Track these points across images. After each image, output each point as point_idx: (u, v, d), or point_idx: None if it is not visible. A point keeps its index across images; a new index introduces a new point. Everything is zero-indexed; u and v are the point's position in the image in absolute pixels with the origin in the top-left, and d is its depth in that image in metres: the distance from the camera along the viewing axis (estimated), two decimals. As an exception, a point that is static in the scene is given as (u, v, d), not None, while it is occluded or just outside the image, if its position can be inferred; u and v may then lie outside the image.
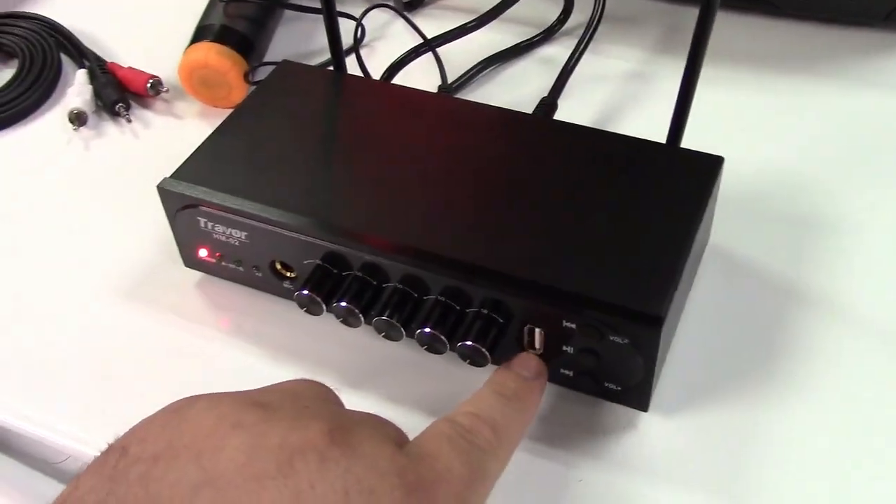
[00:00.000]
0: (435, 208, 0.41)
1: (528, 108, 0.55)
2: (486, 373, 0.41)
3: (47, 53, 0.59)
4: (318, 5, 0.47)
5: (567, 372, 0.39)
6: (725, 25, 0.60)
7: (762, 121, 0.54)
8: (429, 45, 0.54)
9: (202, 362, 0.43)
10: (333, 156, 0.45)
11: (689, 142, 0.43)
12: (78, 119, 0.55)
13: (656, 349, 0.36)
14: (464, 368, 0.40)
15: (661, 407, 0.40)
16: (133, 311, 0.45)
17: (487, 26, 0.59)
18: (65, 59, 0.61)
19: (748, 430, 0.39)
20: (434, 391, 0.41)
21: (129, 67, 0.58)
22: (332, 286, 0.41)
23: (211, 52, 0.54)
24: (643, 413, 0.40)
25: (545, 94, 0.54)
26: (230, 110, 0.55)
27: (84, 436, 0.41)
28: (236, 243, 0.43)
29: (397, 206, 0.42)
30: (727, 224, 0.46)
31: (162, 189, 0.43)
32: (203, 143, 0.45)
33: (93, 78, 0.57)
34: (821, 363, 0.41)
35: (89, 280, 0.47)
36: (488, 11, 0.58)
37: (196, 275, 0.47)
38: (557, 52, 0.59)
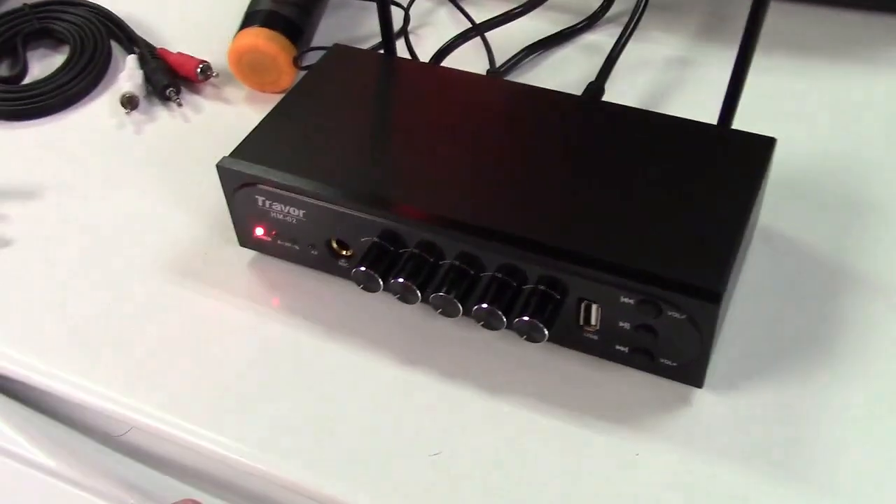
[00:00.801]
0: (490, 186, 0.42)
1: (574, 92, 0.55)
2: (542, 349, 0.41)
3: (98, 40, 0.60)
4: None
5: (622, 348, 0.40)
6: (778, 14, 0.60)
7: (801, 105, 0.54)
8: (477, 30, 0.55)
9: (257, 339, 0.44)
10: (389, 136, 0.45)
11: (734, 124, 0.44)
12: (129, 102, 0.56)
13: (714, 325, 0.37)
14: (519, 345, 0.41)
15: (714, 383, 0.40)
16: (188, 289, 0.46)
17: (532, 13, 0.59)
18: (115, 45, 0.61)
19: (801, 406, 0.39)
20: (489, 368, 0.42)
21: (179, 53, 0.58)
22: (389, 263, 0.42)
23: (260, 37, 0.54)
24: (696, 389, 0.40)
25: (590, 80, 0.54)
26: (278, 95, 0.56)
27: (145, 408, 0.42)
28: (293, 221, 0.44)
29: (454, 184, 0.42)
30: (774, 205, 0.46)
31: (221, 167, 0.44)
32: (260, 124, 0.46)
33: (143, 63, 0.58)
34: (871, 339, 0.41)
35: (145, 258, 0.48)
36: (532, -1, 0.59)
37: (250, 254, 0.47)
38: (600, 39, 0.60)
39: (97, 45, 0.60)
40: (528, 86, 0.49)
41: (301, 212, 0.43)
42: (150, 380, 0.43)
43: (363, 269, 0.42)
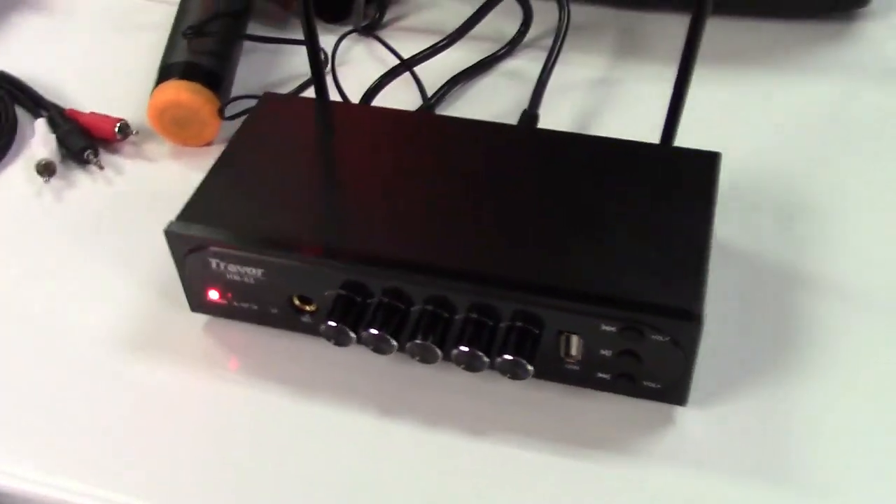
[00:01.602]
0: (448, 225, 0.41)
1: (505, 121, 0.56)
2: (519, 385, 0.41)
3: (1, 105, 0.56)
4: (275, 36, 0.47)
5: (604, 375, 0.40)
6: (676, 26, 0.62)
7: (726, 115, 0.56)
8: (406, 66, 0.55)
9: (223, 408, 0.42)
10: (337, 183, 0.44)
11: (656, 137, 0.45)
12: (46, 170, 0.52)
13: (696, 344, 0.37)
14: (496, 383, 0.41)
15: (694, 399, 0.41)
16: (139, 362, 0.44)
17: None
18: (19, 110, 0.58)
19: (781, 409, 0.40)
20: (469, 410, 0.41)
21: (92, 112, 0.56)
22: (357, 314, 0.41)
23: (182, 90, 0.52)
24: (678, 407, 0.41)
25: (515, 107, 0.55)
26: (203, 149, 0.55)
27: (104, 494, 0.39)
28: (251, 281, 0.42)
29: (411, 226, 0.42)
30: (719, 215, 0.47)
31: (170, 233, 0.42)
32: (202, 183, 0.44)
33: (54, 126, 0.55)
34: (836, 337, 0.43)
35: (88, 335, 0.45)
36: (458, 29, 0.59)
37: (202, 318, 0.45)
38: (520, 64, 0.60)
39: (1, 111, 0.56)
40: (465, 119, 0.49)
41: (259, 271, 0.41)
42: (109, 466, 0.40)
43: (332, 323, 0.40)
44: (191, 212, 0.42)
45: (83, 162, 0.54)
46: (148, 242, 0.49)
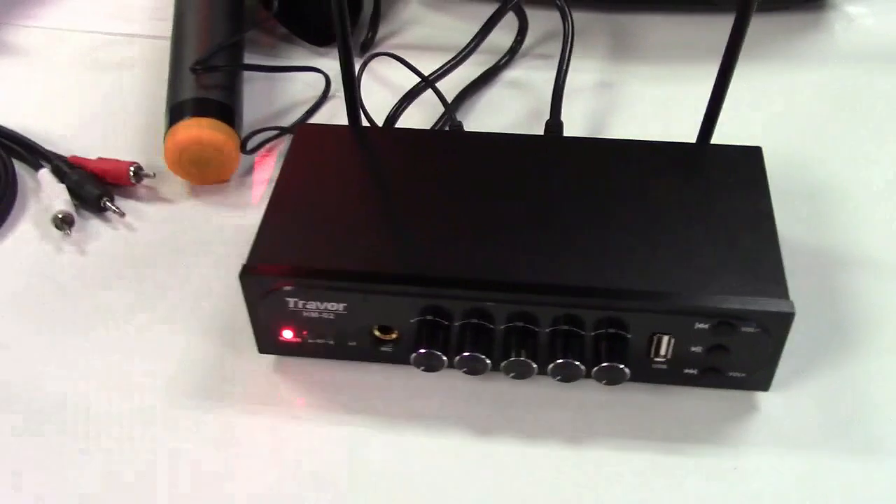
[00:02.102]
0: (517, 240, 0.42)
1: (520, 130, 0.57)
2: (609, 391, 0.42)
3: (-4, 159, 0.54)
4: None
5: (691, 371, 0.41)
6: (664, 26, 0.64)
7: (728, 109, 0.58)
8: (427, 83, 0.55)
9: (314, 447, 0.41)
10: (393, 208, 0.44)
11: (670, 135, 0.47)
12: (65, 223, 0.50)
13: (787, 332, 0.39)
14: (573, 389, 0.42)
15: (774, 384, 0.42)
16: (216, 412, 0.43)
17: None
18: (17, 164, 0.55)
19: (850, 386, 0.43)
20: (561, 419, 0.42)
21: (99, 158, 0.54)
22: (444, 338, 0.41)
23: (204, 128, 0.51)
24: (760, 393, 0.42)
25: (526, 116, 0.56)
26: (222, 185, 0.53)
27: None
28: (330, 317, 0.41)
29: (482, 244, 0.42)
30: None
31: (245, 277, 0.41)
32: (262, 223, 0.43)
33: (61, 176, 0.53)
34: (884, 313, 0.45)
35: (153, 388, 0.44)
36: (470, 43, 0.59)
37: (269, 359, 0.45)
38: (520, 74, 0.61)
39: (-2, 166, 0.53)
40: (497, 134, 0.50)
41: (341, 305, 0.41)
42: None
43: (423, 350, 0.40)
44: (259, 253, 0.42)
45: (100, 210, 0.52)
46: (191, 287, 0.48)
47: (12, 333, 0.46)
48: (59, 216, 0.50)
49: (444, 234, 0.42)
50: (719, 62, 0.64)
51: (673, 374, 0.42)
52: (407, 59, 0.57)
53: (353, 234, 0.42)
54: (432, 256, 0.41)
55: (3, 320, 0.47)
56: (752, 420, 0.42)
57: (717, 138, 0.46)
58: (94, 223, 0.52)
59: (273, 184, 0.45)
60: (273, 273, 0.41)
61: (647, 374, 0.42)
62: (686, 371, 0.41)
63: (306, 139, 0.48)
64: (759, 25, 0.63)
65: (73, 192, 0.52)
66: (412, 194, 0.45)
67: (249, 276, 0.41)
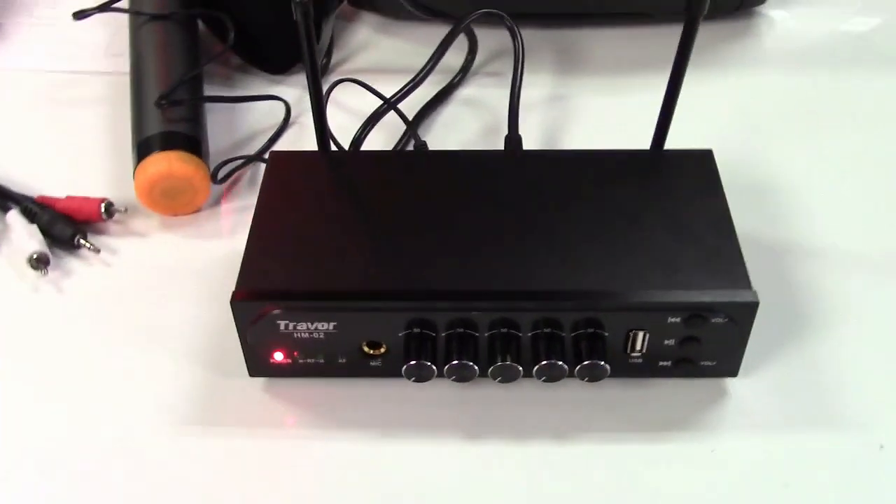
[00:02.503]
0: (493, 251, 0.44)
1: (479, 146, 0.59)
2: (586, 388, 0.44)
3: (-38, 204, 0.54)
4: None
5: (665, 363, 0.44)
6: (604, 40, 0.67)
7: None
8: (389, 105, 0.57)
9: (309, 463, 0.43)
10: (370, 227, 0.46)
11: (622, 143, 0.50)
12: (41, 262, 0.50)
13: (753, 320, 0.42)
14: (548, 389, 0.44)
15: (741, 370, 0.45)
16: (211, 438, 0.44)
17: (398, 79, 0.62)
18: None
19: (811, 367, 0.46)
20: (550, 417, 0.44)
21: (68, 196, 0.54)
22: (432, 349, 0.43)
23: (173, 161, 0.52)
24: (729, 379, 0.45)
25: (482, 132, 0.59)
26: (192, 216, 0.54)
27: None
28: (321, 336, 0.43)
29: (459, 256, 0.44)
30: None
31: (236, 303, 0.42)
32: (246, 250, 0.44)
33: (32, 217, 0.53)
34: (835, 297, 0.49)
35: (146, 418, 0.44)
36: (427, 64, 0.61)
37: (259, 382, 0.46)
38: (472, 91, 0.64)
39: (-36, 210, 0.53)
40: (460, 151, 0.52)
41: (331, 324, 0.42)
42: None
43: (414, 362, 0.42)
44: (247, 279, 0.43)
45: (73, 248, 0.52)
46: (173, 317, 0.49)
47: (2, 375, 0.47)
48: (35, 256, 0.50)
49: (423, 250, 0.44)
50: (660, 72, 0.67)
51: (648, 367, 0.44)
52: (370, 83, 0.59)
53: (335, 255, 0.44)
54: (414, 271, 0.43)
55: (-13, 363, 0.47)
56: (724, 405, 0.44)
57: (667, 143, 0.49)
58: (69, 261, 0.52)
59: (251, 211, 0.46)
60: (263, 297, 0.42)
61: (624, 368, 0.44)
62: (661, 363, 0.44)
63: (279, 166, 0.49)
64: (704, 33, 0.67)
65: (44, 231, 0.52)
66: (388, 213, 0.46)
67: (240, 301, 0.42)
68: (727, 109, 0.62)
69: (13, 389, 0.46)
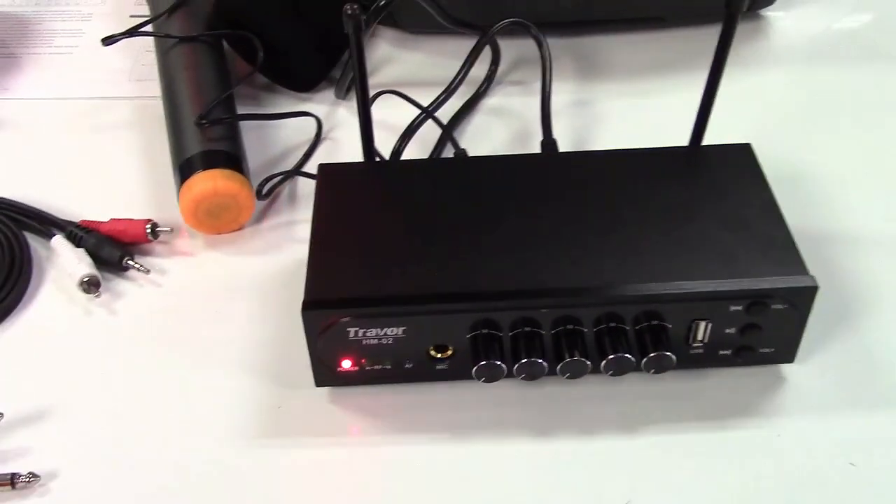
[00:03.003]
0: (550, 250, 0.45)
1: (509, 152, 0.60)
2: (660, 379, 0.45)
3: (8, 234, 0.53)
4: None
5: (725, 352, 0.45)
6: (622, 46, 0.69)
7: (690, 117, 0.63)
8: (427, 114, 0.57)
9: (383, 470, 0.43)
10: (425, 233, 0.46)
11: (653, 143, 0.51)
12: (92, 285, 0.51)
13: (811, 305, 0.43)
14: (612, 383, 0.45)
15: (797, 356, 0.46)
16: (284, 449, 0.44)
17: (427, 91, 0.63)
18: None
19: (863, 350, 0.47)
20: (613, 411, 0.45)
21: (112, 219, 0.54)
22: (499, 348, 0.44)
23: (218, 180, 0.52)
24: (786, 366, 0.46)
25: (513, 139, 0.60)
26: (236, 233, 0.55)
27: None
28: (390, 342, 0.44)
29: (520, 257, 0.44)
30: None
31: (307, 312, 0.42)
32: (310, 262, 0.45)
33: (78, 241, 0.53)
34: (877, 279, 0.50)
35: (218, 437, 0.45)
36: (459, 74, 0.62)
37: (323, 392, 0.46)
38: (498, 101, 0.65)
39: (10, 240, 0.53)
40: (499, 156, 0.53)
41: (400, 329, 0.43)
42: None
43: (484, 362, 0.43)
44: (314, 289, 0.43)
45: (121, 269, 0.53)
46: (229, 333, 0.49)
47: (62, 398, 0.47)
48: (86, 279, 0.51)
49: (481, 251, 0.45)
50: (678, 73, 0.69)
51: (709, 357, 0.45)
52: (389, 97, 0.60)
53: (396, 262, 0.45)
54: (476, 273, 0.44)
55: (50, 387, 0.47)
56: (784, 391, 0.45)
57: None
58: (118, 283, 0.52)
59: (295, 226, 0.47)
60: (332, 306, 0.43)
61: (685, 359, 0.45)
62: (721, 352, 0.45)
63: (329, 178, 0.50)
64: (700, 38, 0.69)
65: (92, 254, 0.52)
66: (440, 218, 0.47)
67: (310, 311, 0.42)
68: (749, 106, 0.63)
69: (76, 415, 0.46)
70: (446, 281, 0.44)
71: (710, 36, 0.69)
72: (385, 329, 0.43)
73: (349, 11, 0.44)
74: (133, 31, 0.62)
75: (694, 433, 0.44)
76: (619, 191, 0.48)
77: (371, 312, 0.43)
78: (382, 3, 0.59)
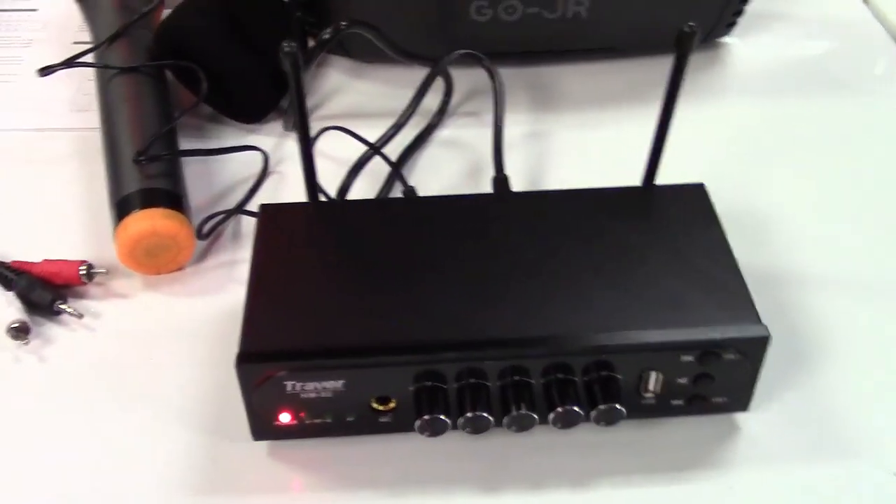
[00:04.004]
0: (496, 297, 0.43)
1: (464, 188, 0.58)
2: (612, 429, 0.44)
3: (-68, 274, 0.51)
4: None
5: (678, 401, 0.44)
6: (575, 75, 0.68)
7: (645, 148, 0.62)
8: (375, 150, 0.56)
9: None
10: (373, 279, 0.44)
11: (607, 176, 0.50)
12: (21, 331, 0.48)
13: (764, 355, 0.42)
14: (561, 435, 0.43)
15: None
16: (218, 506, 0.42)
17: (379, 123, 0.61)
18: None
19: (818, 395, 0.46)
20: (564, 464, 0.43)
21: (45, 260, 0.52)
22: (443, 401, 0.42)
23: (157, 219, 0.50)
24: (739, 414, 0.45)
25: (465, 173, 0.59)
26: (175, 273, 0.53)
27: None
28: (329, 395, 0.42)
29: (462, 305, 0.43)
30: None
31: (242, 366, 0.40)
32: (248, 308, 0.43)
33: (8, 284, 0.51)
34: (832, 324, 0.49)
35: (149, 492, 0.42)
36: (408, 107, 0.61)
37: (262, 446, 0.44)
38: (450, 133, 0.63)
39: (-65, 280, 0.51)
40: (449, 196, 0.51)
41: (339, 382, 0.41)
42: None
43: (427, 417, 0.41)
44: (250, 340, 0.41)
45: (53, 314, 0.50)
46: (165, 382, 0.47)
47: (-17, 454, 0.44)
48: (14, 325, 0.48)
49: (425, 299, 0.43)
50: (634, 103, 0.68)
51: (660, 407, 0.44)
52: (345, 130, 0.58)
53: (337, 310, 0.43)
54: (419, 322, 0.42)
55: (-29, 442, 0.45)
56: (737, 440, 0.44)
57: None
58: (50, 328, 0.50)
59: (237, 266, 0.45)
60: (268, 359, 0.41)
61: (636, 409, 0.44)
62: (673, 402, 0.44)
63: (271, 219, 0.48)
64: (655, 67, 0.68)
65: (22, 298, 0.50)
66: (385, 263, 0.45)
67: (245, 364, 0.40)
68: (703, 139, 0.62)
69: (3, 465, 0.44)
70: (389, 330, 0.42)
71: (664, 65, 0.68)
72: (324, 382, 0.41)
73: (286, 49, 0.43)
74: (70, 62, 0.59)
75: (647, 486, 0.43)
76: (571, 235, 0.47)
77: (309, 366, 0.41)
78: (326, 37, 0.57)
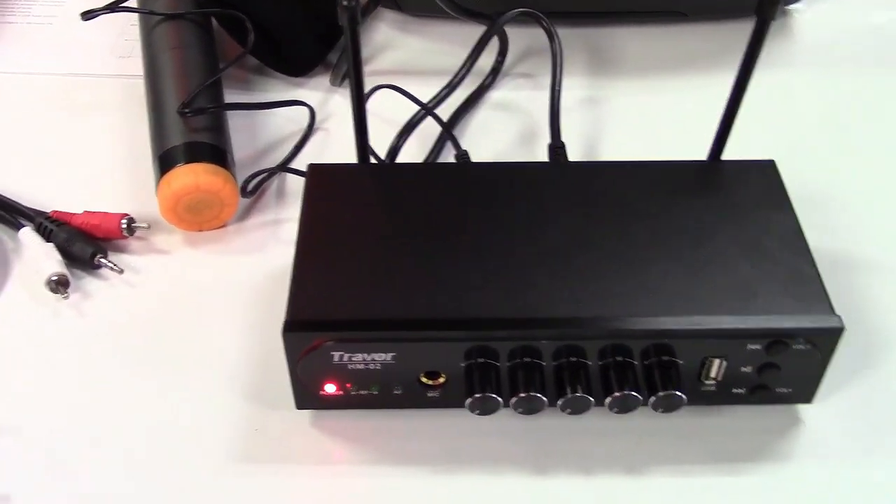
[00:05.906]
0: (556, 274, 0.41)
1: (517, 153, 0.56)
2: (656, 417, 0.42)
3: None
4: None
5: (739, 390, 0.42)
6: (637, 38, 0.65)
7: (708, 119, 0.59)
8: (427, 111, 0.54)
9: (383, 501, 0.40)
10: (424, 248, 0.43)
11: (664, 147, 0.47)
12: (61, 284, 0.47)
13: (835, 347, 0.40)
14: (619, 419, 0.42)
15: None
16: (256, 477, 0.41)
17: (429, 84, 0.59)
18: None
19: (884, 389, 0.44)
20: (618, 448, 0.42)
21: (85, 212, 0.50)
22: (495, 379, 0.40)
23: (200, 174, 0.49)
24: (802, 406, 0.43)
25: (518, 138, 0.56)
26: (217, 231, 0.51)
27: None
28: (378, 367, 0.40)
29: (522, 280, 0.41)
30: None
31: (288, 335, 0.39)
32: (294, 275, 0.41)
33: (48, 235, 0.49)
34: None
35: (192, 458, 0.41)
36: (462, 67, 0.58)
37: (305, 415, 0.43)
38: (503, 94, 0.61)
39: (-27, 227, 0.50)
40: (505, 163, 0.49)
41: (389, 355, 0.40)
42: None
43: (479, 395, 0.40)
44: (298, 307, 0.40)
45: (93, 268, 0.49)
46: (205, 343, 0.46)
47: (21, 411, 0.43)
48: (54, 279, 0.47)
49: (480, 272, 0.41)
50: (697, 71, 0.64)
51: (721, 395, 0.42)
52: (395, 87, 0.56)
53: (387, 280, 0.41)
54: (473, 297, 0.40)
55: (7, 399, 0.44)
56: (800, 433, 0.42)
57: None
58: (89, 281, 0.49)
59: (280, 225, 0.44)
60: (316, 328, 0.39)
61: (695, 396, 0.42)
62: (734, 391, 0.42)
63: (319, 180, 0.46)
64: (722, 34, 0.65)
65: (62, 250, 0.49)
66: (437, 233, 0.43)
67: (292, 332, 0.39)
68: (772, 111, 0.59)
69: (35, 431, 0.42)
70: (440, 304, 0.40)
71: (731, 32, 0.65)
72: (373, 354, 0.40)
73: (344, 2, 0.40)
74: (114, 7, 0.57)
75: (703, 476, 0.41)
76: (632, 210, 0.44)
77: (358, 337, 0.39)
78: (382, -11, 0.55)
